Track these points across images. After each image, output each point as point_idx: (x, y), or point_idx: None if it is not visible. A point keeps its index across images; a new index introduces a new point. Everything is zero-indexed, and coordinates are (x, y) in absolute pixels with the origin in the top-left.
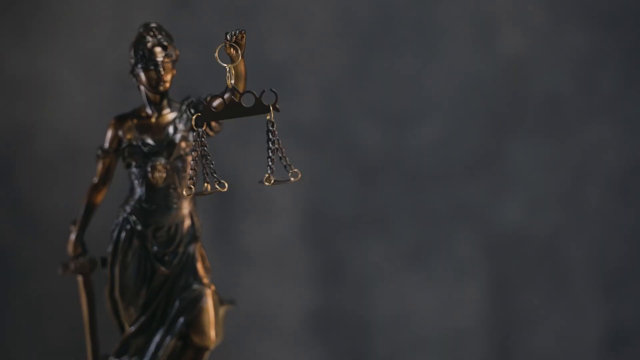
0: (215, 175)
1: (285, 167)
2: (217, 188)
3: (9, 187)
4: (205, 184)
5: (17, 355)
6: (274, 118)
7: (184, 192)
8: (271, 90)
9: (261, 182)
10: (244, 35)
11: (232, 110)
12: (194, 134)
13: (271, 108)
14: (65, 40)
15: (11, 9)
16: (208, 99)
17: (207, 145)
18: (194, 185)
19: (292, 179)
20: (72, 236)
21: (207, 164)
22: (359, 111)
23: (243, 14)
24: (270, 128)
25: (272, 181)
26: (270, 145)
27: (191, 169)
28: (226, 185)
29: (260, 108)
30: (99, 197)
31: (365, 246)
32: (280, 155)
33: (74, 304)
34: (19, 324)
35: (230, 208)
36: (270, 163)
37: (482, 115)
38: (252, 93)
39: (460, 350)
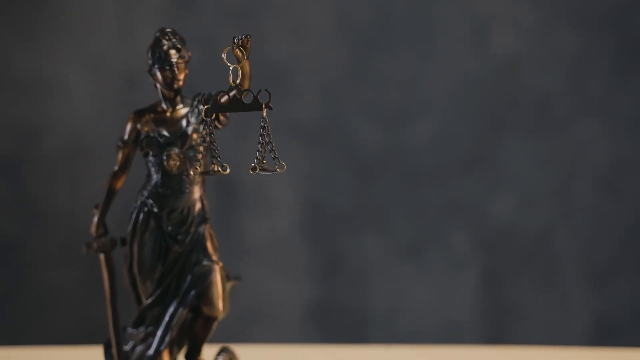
0: (219, 159)
1: (273, 159)
2: (219, 170)
3: (16, 184)
4: (212, 165)
5: (26, 342)
6: (266, 115)
7: (191, 172)
8: (266, 90)
9: (250, 170)
10: (249, 39)
11: (235, 105)
12: (204, 123)
13: (264, 106)
14: (71, 40)
15: (17, 10)
16: (217, 95)
17: (214, 134)
18: (199, 167)
19: (278, 169)
20: (95, 218)
21: (214, 148)
22: (357, 110)
23: (243, 15)
24: (262, 124)
25: (258, 170)
26: (261, 139)
27: (199, 153)
28: (228, 168)
29: (256, 105)
30: (119, 184)
31: (363, 241)
32: (270, 148)
33: (80, 296)
34: (27, 315)
35: (231, 204)
36: (257, 154)
37: (476, 114)
38: (251, 92)
39: (454, 341)
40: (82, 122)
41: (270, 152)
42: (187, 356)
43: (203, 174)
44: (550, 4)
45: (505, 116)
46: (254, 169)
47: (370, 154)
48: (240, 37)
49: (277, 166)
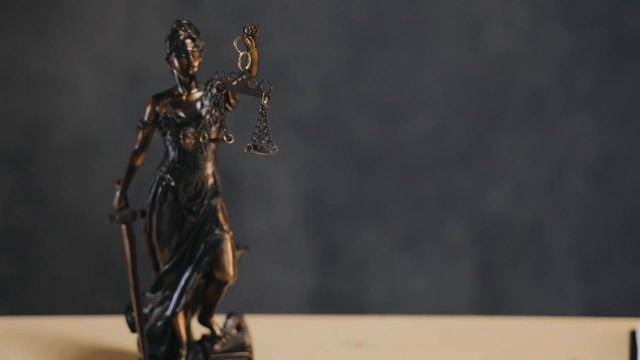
0: (225, 129)
1: (268, 142)
2: (225, 139)
3: (25, 177)
4: (221, 132)
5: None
6: (265, 102)
7: (200, 139)
8: (268, 81)
9: (245, 149)
10: (258, 29)
11: (242, 88)
12: (215, 97)
13: (264, 94)
14: (78, 38)
15: (27, 8)
16: (228, 75)
17: (224, 108)
18: (208, 135)
19: (270, 151)
20: (117, 193)
21: (222, 120)
22: (355, 106)
23: (246, 13)
24: (260, 110)
25: (252, 150)
26: (258, 123)
27: (208, 123)
28: (233, 138)
29: (258, 92)
30: (139, 161)
31: (361, 233)
32: (266, 132)
33: (86, 285)
34: (36, 304)
35: (233, 196)
36: (254, 136)
37: (470, 110)
38: (256, 80)
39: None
40: (89, 117)
41: (265, 135)
42: (200, 319)
43: (211, 141)
44: (542, 3)
45: (499, 111)
46: (249, 148)
47: (368, 148)
48: (249, 27)
49: (270, 148)
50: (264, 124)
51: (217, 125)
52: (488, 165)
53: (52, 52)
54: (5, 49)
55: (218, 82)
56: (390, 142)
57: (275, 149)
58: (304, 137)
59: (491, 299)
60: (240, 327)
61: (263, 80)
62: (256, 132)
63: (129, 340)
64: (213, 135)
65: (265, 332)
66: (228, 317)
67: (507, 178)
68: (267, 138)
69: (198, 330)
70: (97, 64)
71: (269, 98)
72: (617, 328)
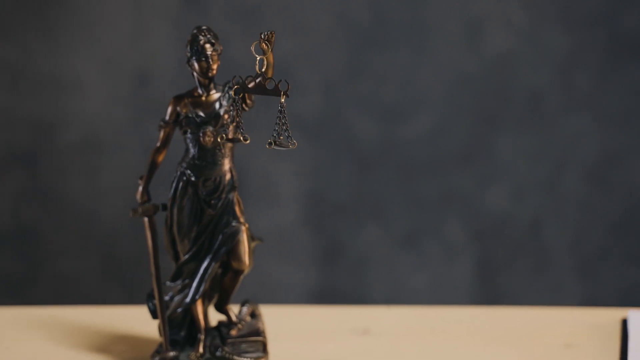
0: (243, 129)
1: (287, 137)
2: (242, 140)
3: (34, 176)
4: (237, 133)
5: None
6: (284, 100)
7: (218, 139)
8: (285, 80)
9: (267, 144)
10: (274, 34)
11: (259, 89)
12: (232, 100)
13: (282, 93)
14: (86, 41)
15: (36, 10)
16: (246, 79)
17: (241, 110)
18: (226, 135)
19: (290, 146)
20: (140, 187)
21: (239, 121)
22: (356, 106)
23: (249, 15)
24: (279, 108)
25: (273, 145)
26: (277, 120)
27: (226, 123)
28: (249, 139)
29: (276, 91)
30: (160, 158)
31: (362, 230)
32: (285, 128)
33: (93, 281)
34: (44, 297)
35: (238, 194)
36: (274, 132)
37: (470, 110)
38: (273, 80)
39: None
40: (96, 117)
41: (285, 131)
42: (216, 306)
43: (229, 140)
44: (541, 4)
45: (498, 111)
46: (270, 143)
47: (369, 148)
48: (266, 33)
49: (289, 143)
50: (283, 121)
51: (234, 125)
52: (488, 165)
53: (60, 54)
54: (15, 51)
55: (236, 87)
56: (391, 141)
57: (294, 143)
58: (306, 136)
59: (490, 295)
60: (254, 314)
61: (280, 80)
62: (276, 128)
63: (151, 327)
64: (230, 135)
65: (276, 320)
66: (242, 305)
67: (506, 177)
68: (286, 134)
69: (215, 317)
70: (103, 66)
71: (287, 96)
72: (610, 317)
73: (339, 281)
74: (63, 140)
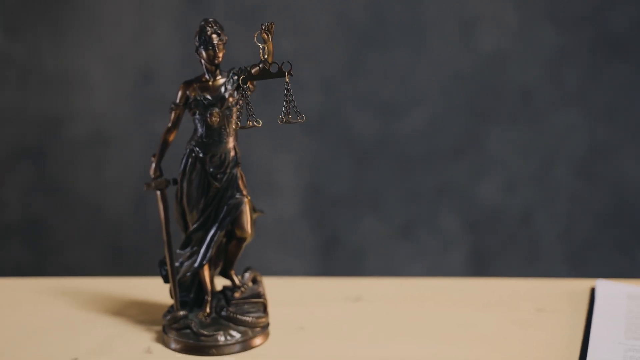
0: (254, 115)
1: (296, 112)
2: (254, 124)
3: (42, 170)
4: (248, 121)
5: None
6: (288, 79)
7: (233, 127)
8: (288, 62)
9: (278, 121)
10: (273, 25)
11: (264, 74)
12: (239, 89)
13: (287, 73)
14: (93, 39)
15: (45, 11)
16: (249, 67)
17: (249, 97)
18: (239, 122)
19: (299, 120)
20: (153, 164)
21: (249, 108)
22: (355, 102)
23: (250, 13)
24: (285, 87)
25: (284, 121)
26: (285, 98)
27: (236, 112)
28: (261, 122)
29: (280, 73)
30: (171, 137)
31: (360, 221)
32: (293, 105)
33: (98, 273)
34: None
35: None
36: (283, 109)
37: (464, 105)
38: (276, 63)
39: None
40: (102, 113)
41: (293, 107)
42: (221, 272)
43: (242, 128)
44: (531, 4)
45: (491, 107)
46: (281, 119)
47: (367, 142)
48: (266, 23)
49: (298, 118)
50: (290, 98)
51: (242, 112)
52: (480, 158)
53: (67, 52)
54: (24, 50)
55: (242, 77)
56: (388, 136)
57: (303, 117)
58: (306, 131)
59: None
60: (255, 280)
61: (283, 62)
62: (285, 105)
63: (161, 294)
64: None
65: (274, 289)
66: (245, 271)
67: (498, 170)
68: (294, 110)
69: (220, 283)
70: (110, 63)
71: (292, 75)
72: (581, 286)
73: (337, 271)
74: (70, 135)
